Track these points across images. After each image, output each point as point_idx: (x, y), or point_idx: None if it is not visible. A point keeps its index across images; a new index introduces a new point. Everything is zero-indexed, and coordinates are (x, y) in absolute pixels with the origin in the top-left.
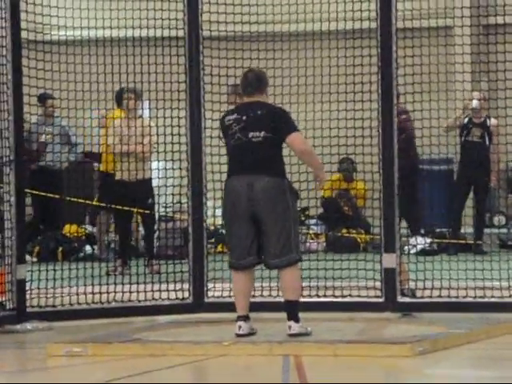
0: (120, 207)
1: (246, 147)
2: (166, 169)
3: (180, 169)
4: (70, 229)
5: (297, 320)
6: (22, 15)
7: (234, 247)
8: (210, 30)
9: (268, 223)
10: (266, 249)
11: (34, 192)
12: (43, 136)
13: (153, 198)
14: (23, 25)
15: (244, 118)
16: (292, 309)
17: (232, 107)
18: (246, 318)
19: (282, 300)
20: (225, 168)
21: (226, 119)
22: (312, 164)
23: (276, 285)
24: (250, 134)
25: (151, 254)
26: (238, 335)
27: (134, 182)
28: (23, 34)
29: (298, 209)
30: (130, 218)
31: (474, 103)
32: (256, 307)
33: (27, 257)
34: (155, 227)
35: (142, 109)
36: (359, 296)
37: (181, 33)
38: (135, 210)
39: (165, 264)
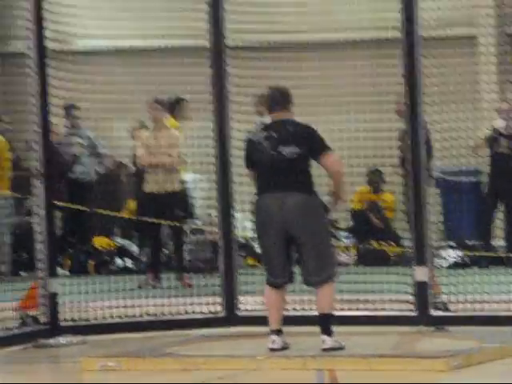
0: (151, 220)
1: (278, 164)
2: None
3: (209, 181)
4: (100, 241)
5: (330, 334)
6: (48, 25)
7: (269, 265)
8: (234, 40)
9: (304, 241)
10: (305, 266)
11: (64, 205)
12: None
13: (184, 210)
14: (49, 35)
15: (275, 135)
16: (326, 323)
17: (260, 118)
18: (279, 332)
19: (315, 313)
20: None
21: (255, 138)
22: (341, 185)
23: (308, 298)
24: (283, 150)
25: (182, 267)
26: (272, 349)
27: (163, 194)
28: (49, 45)
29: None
30: (160, 230)
31: (500, 123)
32: (288, 321)
33: (58, 269)
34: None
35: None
36: (392, 310)
37: (206, 42)
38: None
39: (196, 277)
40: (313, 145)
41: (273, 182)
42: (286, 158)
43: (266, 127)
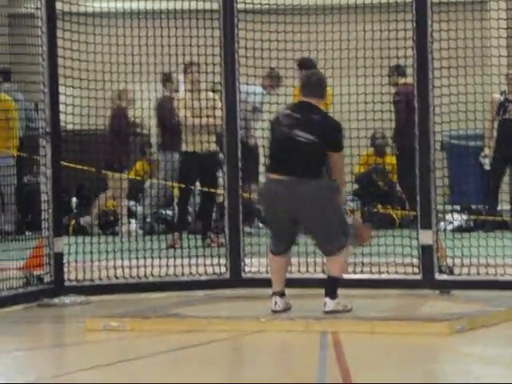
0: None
1: (292, 145)
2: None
3: (215, 142)
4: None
5: (333, 297)
6: None
7: (274, 238)
8: (245, 3)
9: (314, 227)
10: (317, 238)
11: (69, 164)
12: None
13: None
14: None
15: (297, 116)
16: (330, 285)
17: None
18: (281, 294)
19: (320, 276)
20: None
21: (280, 113)
22: (341, 178)
23: (313, 260)
24: (298, 133)
25: (209, 227)
26: (274, 311)
27: (206, 153)
28: (58, 6)
29: None
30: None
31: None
32: (293, 283)
33: None
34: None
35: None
36: (396, 273)
37: (215, 5)
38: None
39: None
40: (329, 141)
41: (283, 162)
42: (299, 141)
43: (292, 106)
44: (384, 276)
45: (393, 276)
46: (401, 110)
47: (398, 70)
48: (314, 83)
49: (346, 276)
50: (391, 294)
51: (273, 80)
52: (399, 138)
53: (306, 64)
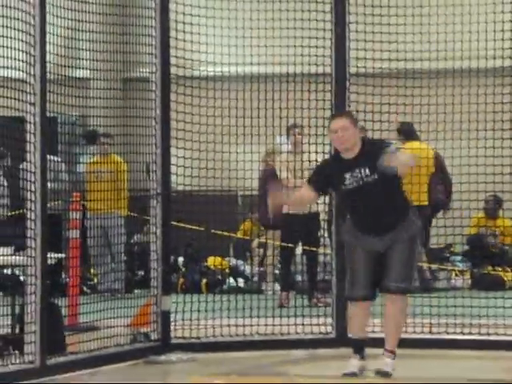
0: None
1: None
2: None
3: (325, 203)
4: (213, 261)
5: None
6: (172, 51)
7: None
8: (357, 67)
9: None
10: (387, 273)
11: (179, 224)
12: None
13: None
14: (172, 61)
15: None
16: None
17: None
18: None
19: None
20: None
21: None
22: None
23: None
24: None
25: (315, 287)
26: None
27: (306, 214)
28: (172, 70)
29: (443, 246)
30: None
31: None
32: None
33: None
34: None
35: (287, 144)
36: (505, 334)
37: (328, 69)
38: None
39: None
40: None
41: None
42: None
43: None
44: (493, 337)
45: (502, 337)
46: None
47: None
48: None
49: (453, 337)
50: (500, 355)
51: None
52: None
53: (403, 128)
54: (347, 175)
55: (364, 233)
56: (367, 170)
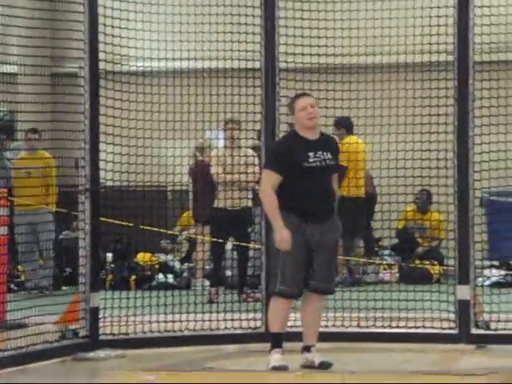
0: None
1: None
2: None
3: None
4: (143, 257)
5: None
6: (100, 46)
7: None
8: (287, 62)
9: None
10: (318, 272)
11: (108, 220)
12: None
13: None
14: (101, 56)
15: None
16: None
17: None
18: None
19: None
20: None
21: None
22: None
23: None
24: None
25: (244, 283)
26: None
27: (237, 209)
28: (101, 65)
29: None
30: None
31: None
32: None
33: None
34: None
35: (223, 139)
36: (433, 327)
37: (257, 64)
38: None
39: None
40: None
41: None
42: None
43: None
44: (420, 330)
45: (429, 330)
46: None
47: None
48: None
49: (381, 330)
50: (427, 348)
51: None
52: None
53: (344, 122)
54: (311, 153)
55: (306, 219)
56: (329, 155)
